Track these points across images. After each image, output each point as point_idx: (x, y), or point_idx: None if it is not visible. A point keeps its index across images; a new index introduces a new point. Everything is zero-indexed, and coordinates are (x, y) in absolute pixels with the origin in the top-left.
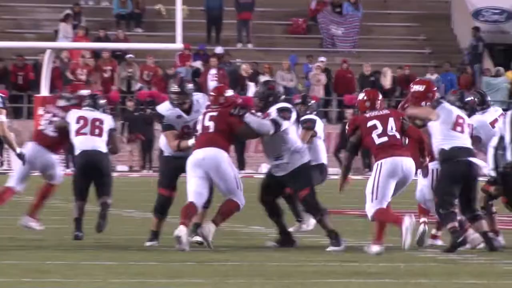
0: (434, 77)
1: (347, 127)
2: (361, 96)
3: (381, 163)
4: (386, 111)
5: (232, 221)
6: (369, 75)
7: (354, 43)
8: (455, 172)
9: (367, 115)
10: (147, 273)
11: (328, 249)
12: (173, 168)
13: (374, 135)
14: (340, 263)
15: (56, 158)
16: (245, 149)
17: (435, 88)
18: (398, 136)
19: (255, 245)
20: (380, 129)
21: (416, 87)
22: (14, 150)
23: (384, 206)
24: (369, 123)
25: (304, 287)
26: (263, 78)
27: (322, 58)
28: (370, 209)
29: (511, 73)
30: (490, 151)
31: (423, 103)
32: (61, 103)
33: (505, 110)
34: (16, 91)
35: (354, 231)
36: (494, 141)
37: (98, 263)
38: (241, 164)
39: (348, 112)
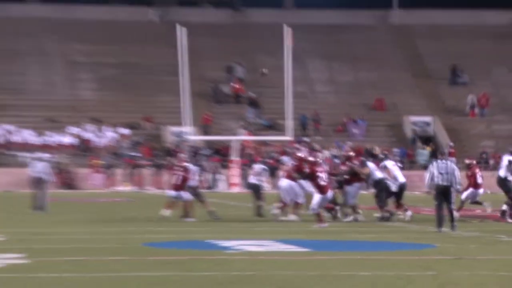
0: (398, 150)
1: (294, 163)
2: (301, 154)
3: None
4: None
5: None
6: (370, 149)
7: (363, 136)
8: (387, 188)
9: (317, 165)
10: (262, 232)
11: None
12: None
13: (320, 175)
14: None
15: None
16: None
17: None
18: (327, 179)
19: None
20: (323, 175)
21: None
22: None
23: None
24: (318, 169)
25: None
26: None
27: (349, 143)
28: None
29: (429, 148)
30: (428, 176)
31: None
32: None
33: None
34: (222, 158)
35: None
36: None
37: (239, 228)
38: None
39: None
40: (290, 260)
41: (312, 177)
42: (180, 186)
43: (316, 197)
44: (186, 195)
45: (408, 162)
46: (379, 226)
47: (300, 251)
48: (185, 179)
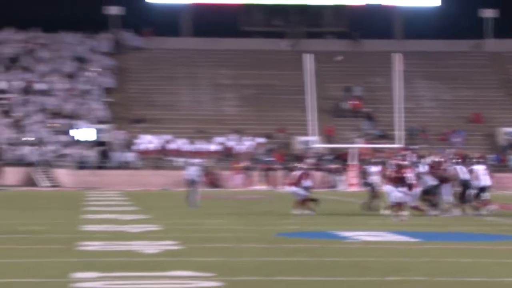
0: (492, 156)
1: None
2: (396, 160)
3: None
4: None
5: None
6: (467, 155)
7: (462, 144)
8: (469, 188)
9: (405, 168)
10: (376, 225)
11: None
12: None
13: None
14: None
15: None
16: None
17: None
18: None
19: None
20: (410, 175)
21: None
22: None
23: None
24: (406, 171)
25: None
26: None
27: (451, 150)
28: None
29: None
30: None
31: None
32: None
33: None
34: (342, 162)
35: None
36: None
37: (356, 220)
38: None
39: None
40: (402, 249)
41: (401, 178)
42: (296, 183)
43: (407, 194)
44: (301, 191)
45: (501, 166)
46: (476, 220)
47: (411, 240)
48: (300, 178)
